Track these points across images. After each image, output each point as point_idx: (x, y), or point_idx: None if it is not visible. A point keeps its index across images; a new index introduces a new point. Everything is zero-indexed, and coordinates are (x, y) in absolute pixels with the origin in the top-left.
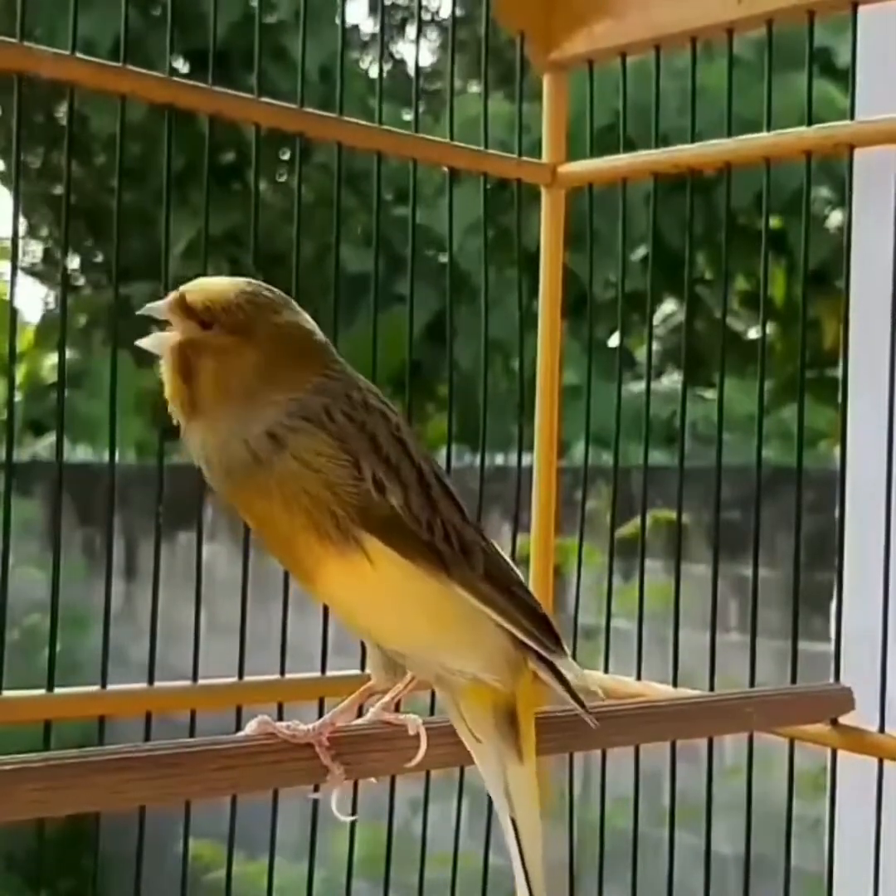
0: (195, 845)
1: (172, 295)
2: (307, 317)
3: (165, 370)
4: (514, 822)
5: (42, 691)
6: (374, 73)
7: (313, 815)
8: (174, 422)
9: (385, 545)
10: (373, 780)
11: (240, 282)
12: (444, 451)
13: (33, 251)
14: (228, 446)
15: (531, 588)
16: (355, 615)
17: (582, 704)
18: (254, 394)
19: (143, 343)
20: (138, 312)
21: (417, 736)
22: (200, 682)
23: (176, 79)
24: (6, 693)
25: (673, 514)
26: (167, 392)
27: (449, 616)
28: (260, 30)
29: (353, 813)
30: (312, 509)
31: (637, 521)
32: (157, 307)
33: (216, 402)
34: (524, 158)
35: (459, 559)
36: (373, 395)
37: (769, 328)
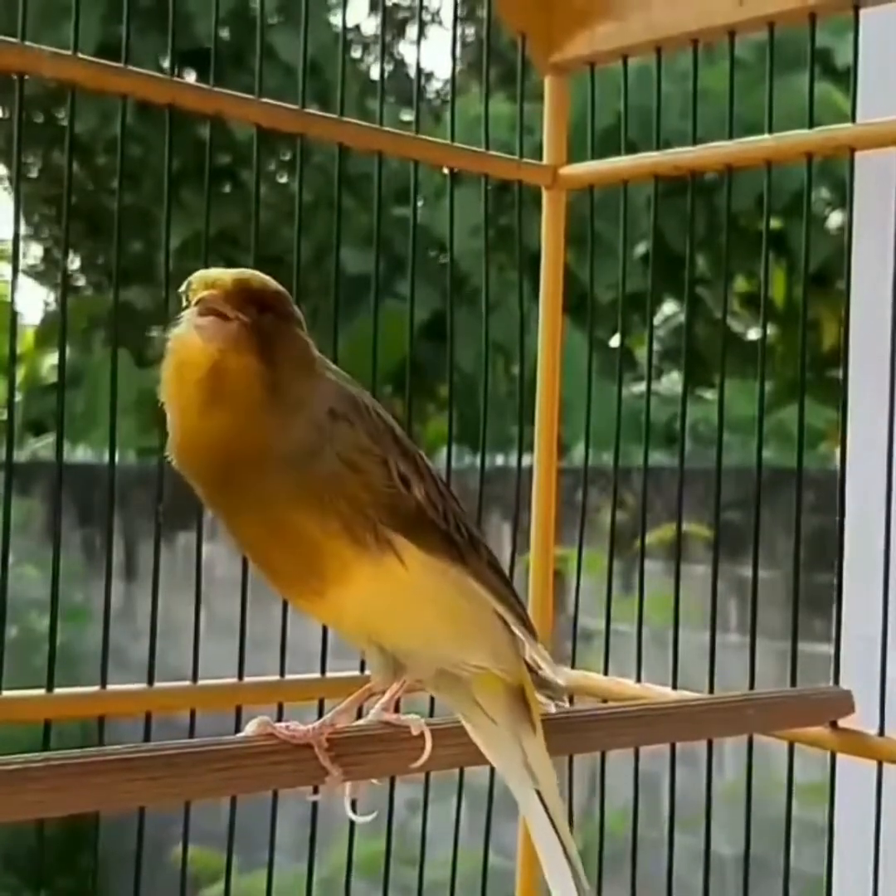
0: (190, 851)
1: (220, 283)
2: None
3: (224, 355)
4: (538, 793)
5: (42, 691)
6: (373, 73)
7: (313, 817)
8: (227, 413)
9: (411, 543)
10: (374, 781)
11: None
12: (444, 451)
13: (34, 252)
14: (299, 427)
15: (531, 589)
16: (376, 620)
17: (555, 689)
18: (312, 374)
19: (200, 323)
20: (196, 300)
21: (419, 736)
22: (200, 682)
23: (177, 79)
24: (6, 693)
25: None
26: (235, 378)
27: (467, 608)
28: (252, 29)
29: (354, 811)
30: (349, 514)
31: (656, 531)
32: (215, 297)
33: (296, 382)
34: (525, 160)
35: (470, 548)
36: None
37: (769, 329)
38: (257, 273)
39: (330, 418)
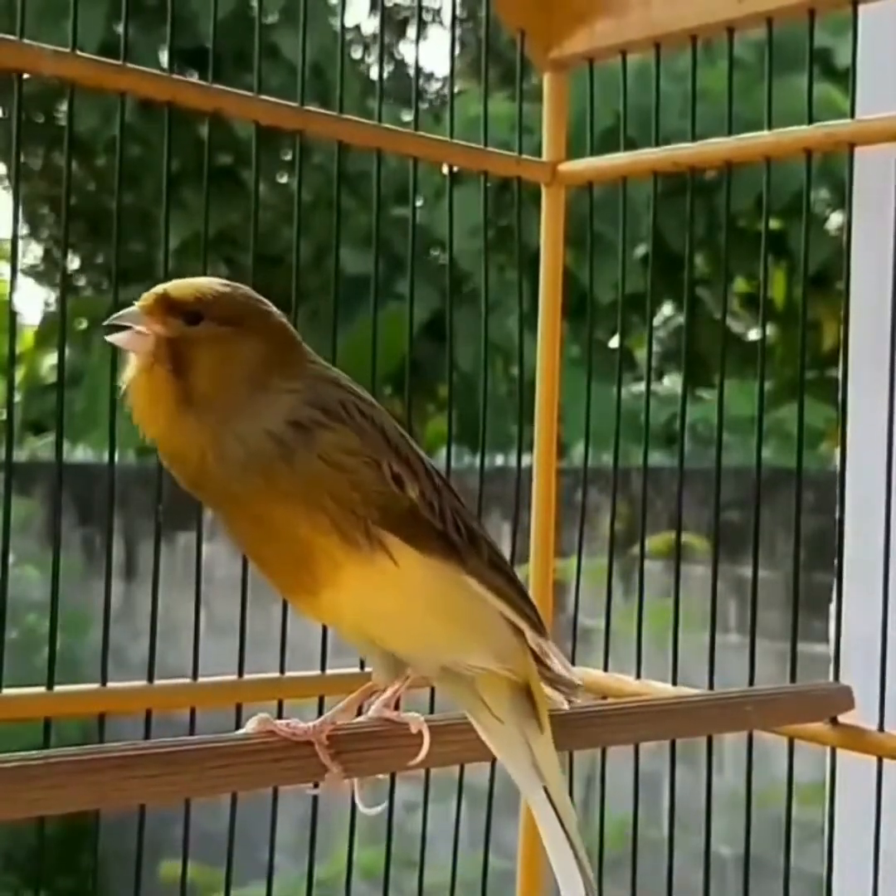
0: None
1: (146, 297)
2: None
3: (142, 368)
4: (546, 791)
5: (42, 689)
6: (373, 74)
7: (312, 820)
8: (148, 423)
9: (405, 543)
10: (379, 776)
11: (216, 279)
12: (443, 451)
13: (33, 252)
14: (247, 438)
15: (531, 588)
16: (372, 622)
17: (571, 686)
18: (263, 383)
19: (116, 340)
20: (109, 322)
21: (418, 734)
22: (200, 679)
23: (176, 76)
24: (6, 691)
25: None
26: (146, 390)
27: (465, 610)
28: (254, 28)
29: (353, 809)
30: (337, 512)
31: (653, 539)
32: (133, 312)
33: (221, 394)
34: (524, 156)
35: (470, 547)
36: (358, 386)
37: (769, 330)
38: (197, 281)
39: (293, 429)
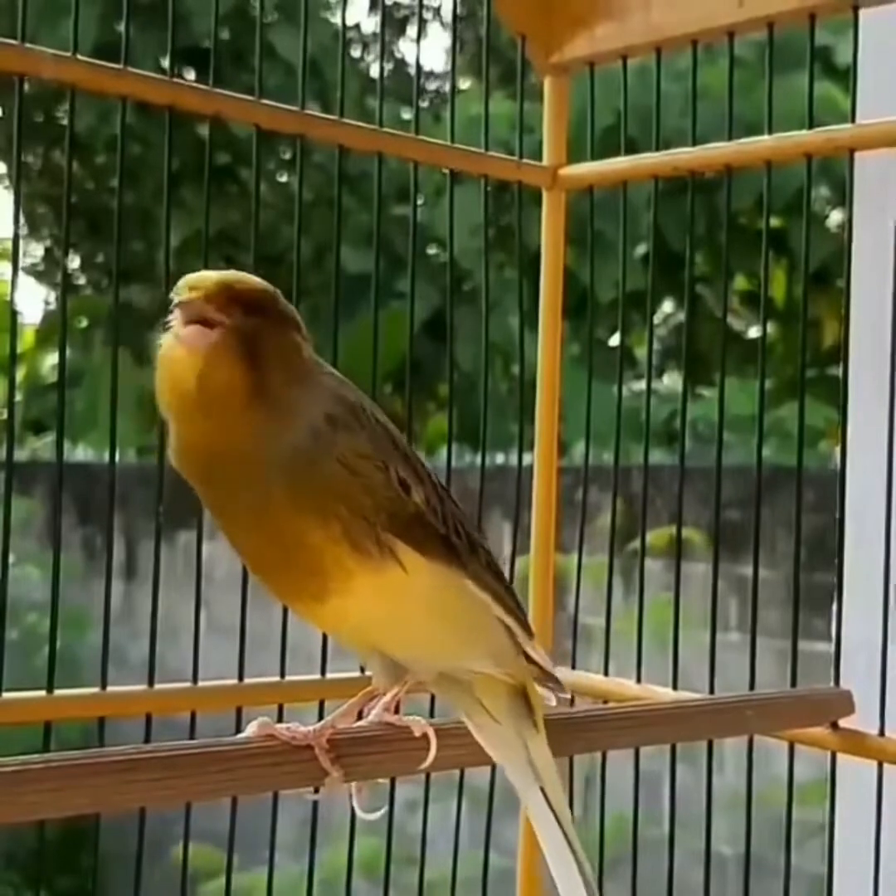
0: (191, 849)
1: (204, 287)
2: None
3: (209, 359)
4: (542, 790)
5: (42, 692)
6: (373, 71)
7: (313, 818)
8: (206, 415)
9: (412, 548)
10: (380, 781)
11: (237, 271)
12: (444, 450)
13: (34, 252)
14: (293, 432)
15: (531, 588)
16: (376, 627)
17: (556, 683)
18: (305, 377)
19: (186, 339)
20: (175, 305)
21: (420, 738)
22: (200, 683)
23: (177, 80)
24: (6, 695)
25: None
26: (214, 383)
27: (467, 614)
28: (251, 27)
29: (354, 814)
30: (349, 519)
31: (652, 534)
32: (196, 302)
33: (286, 385)
34: (525, 161)
35: (469, 551)
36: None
37: (770, 327)
38: (244, 274)
39: (328, 424)
